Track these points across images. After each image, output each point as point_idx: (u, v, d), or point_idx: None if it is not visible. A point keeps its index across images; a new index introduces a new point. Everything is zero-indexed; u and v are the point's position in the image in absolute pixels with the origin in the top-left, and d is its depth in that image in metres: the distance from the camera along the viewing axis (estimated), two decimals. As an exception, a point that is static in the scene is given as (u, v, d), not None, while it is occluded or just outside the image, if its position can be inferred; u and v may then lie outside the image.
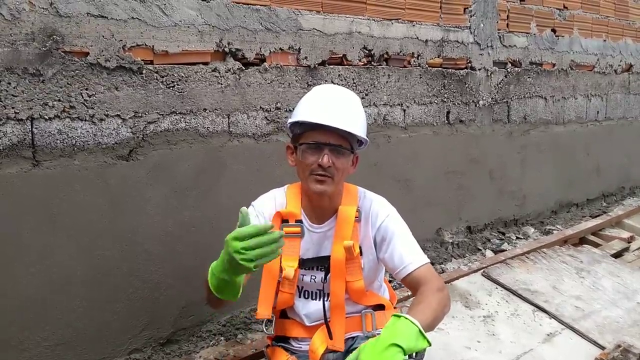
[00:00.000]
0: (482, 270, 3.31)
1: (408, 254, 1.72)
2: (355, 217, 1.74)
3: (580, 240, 4.10)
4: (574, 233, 4.07)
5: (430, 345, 1.46)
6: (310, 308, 1.81)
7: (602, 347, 2.59)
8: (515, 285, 3.15)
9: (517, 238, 4.22)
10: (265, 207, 1.79)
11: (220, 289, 1.49)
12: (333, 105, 1.66)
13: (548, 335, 2.71)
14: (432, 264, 3.56)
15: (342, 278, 1.73)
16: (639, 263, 3.70)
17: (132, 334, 2.38)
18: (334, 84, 2.99)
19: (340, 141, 1.65)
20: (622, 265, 3.60)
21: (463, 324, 2.76)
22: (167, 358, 2.46)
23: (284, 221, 1.75)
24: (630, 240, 4.14)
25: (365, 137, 1.72)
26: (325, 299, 1.79)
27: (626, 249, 3.99)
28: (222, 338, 2.61)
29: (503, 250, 3.83)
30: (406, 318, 1.43)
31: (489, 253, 3.86)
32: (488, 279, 3.23)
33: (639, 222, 4.62)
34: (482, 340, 2.63)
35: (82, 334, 2.23)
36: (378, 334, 1.46)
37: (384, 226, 1.76)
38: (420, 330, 1.41)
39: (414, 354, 1.66)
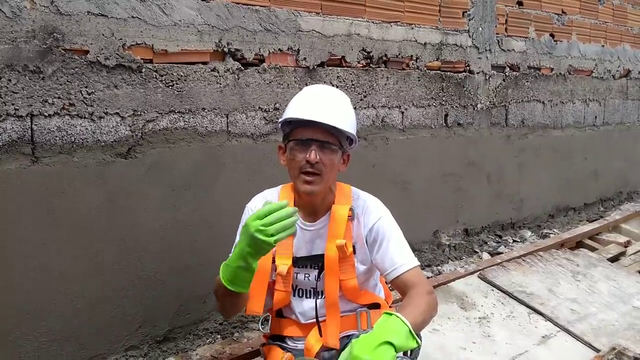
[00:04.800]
0: (478, 272, 3.32)
1: (399, 256, 1.73)
2: (349, 216, 1.75)
3: (577, 244, 4.12)
4: (570, 237, 4.09)
5: (419, 346, 1.48)
6: (304, 306, 1.82)
7: (597, 350, 2.60)
8: (511, 288, 3.16)
9: (514, 241, 4.23)
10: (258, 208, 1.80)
11: (234, 278, 1.52)
12: (320, 103, 1.68)
13: (543, 337, 2.72)
14: (429, 265, 3.60)
15: (335, 276, 1.74)
16: (636, 267, 3.71)
17: (128, 331, 2.39)
18: (333, 85, 3.01)
19: (328, 137, 1.66)
20: (618, 269, 3.61)
21: (459, 325, 2.77)
22: (164, 355, 2.47)
23: None
24: (627, 244, 4.15)
25: (354, 134, 1.73)
26: (319, 297, 1.80)
27: (623, 254, 4.00)
28: (218, 336, 2.62)
29: (500, 253, 3.84)
30: (397, 316, 1.45)
31: (485, 255, 3.87)
32: (484, 280, 3.24)
33: (636, 227, 4.63)
34: (477, 341, 2.64)
35: (78, 330, 2.24)
36: None
37: (376, 227, 1.76)
38: (410, 330, 1.43)
39: (409, 352, 1.68)
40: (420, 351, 1.80)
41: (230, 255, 1.53)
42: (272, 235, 1.42)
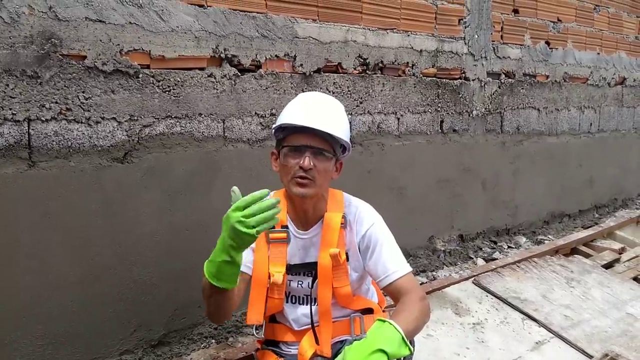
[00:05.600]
0: (473, 278, 3.34)
1: (391, 262, 1.74)
2: (341, 224, 1.75)
3: (572, 251, 4.13)
4: (565, 243, 4.10)
5: (411, 353, 1.50)
6: (297, 313, 1.83)
7: (590, 356, 2.62)
8: (505, 294, 3.18)
9: (509, 247, 4.25)
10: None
11: (219, 273, 1.49)
12: (315, 110, 1.68)
13: (537, 343, 2.73)
14: (424, 271, 3.62)
15: (328, 284, 1.75)
16: (630, 274, 3.72)
17: (123, 335, 2.39)
18: (329, 91, 3.03)
19: (322, 144, 1.67)
20: (612, 275, 3.63)
21: (453, 331, 2.78)
22: (158, 360, 2.48)
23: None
24: (621, 251, 4.17)
25: (348, 142, 1.74)
26: (313, 304, 1.80)
27: (617, 260, 4.02)
28: (213, 341, 2.63)
29: (494, 259, 3.86)
30: (390, 323, 1.46)
31: (480, 261, 3.89)
32: (479, 286, 3.26)
33: (630, 234, 4.65)
34: (471, 347, 2.65)
35: (74, 334, 2.25)
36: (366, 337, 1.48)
37: (368, 234, 1.77)
38: (403, 337, 1.44)
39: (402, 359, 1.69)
40: (412, 358, 1.82)
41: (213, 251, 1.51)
42: (253, 227, 1.39)
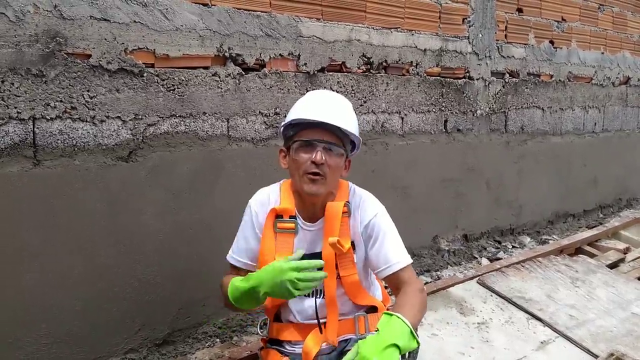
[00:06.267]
0: (477, 278, 3.33)
1: (393, 253, 1.76)
2: (344, 212, 1.76)
3: (576, 251, 4.11)
4: (570, 243, 4.09)
5: (419, 345, 1.52)
6: (304, 305, 1.84)
7: (596, 356, 2.61)
8: (510, 293, 3.17)
9: (513, 247, 4.23)
10: (260, 206, 1.83)
11: (243, 303, 1.65)
12: (326, 106, 1.71)
13: (542, 342, 2.72)
14: (428, 270, 3.62)
15: (333, 274, 1.76)
16: (635, 274, 3.71)
17: (128, 334, 2.39)
18: (333, 90, 3.01)
19: (334, 140, 1.69)
20: (617, 275, 3.61)
21: (457, 330, 2.77)
22: (163, 359, 2.47)
23: (278, 217, 1.78)
24: (626, 251, 4.15)
25: (358, 137, 1.76)
26: (318, 296, 1.81)
27: (622, 260, 4.00)
28: (217, 340, 2.63)
29: (499, 259, 3.85)
30: (399, 317, 1.47)
31: (484, 261, 3.88)
32: (483, 286, 3.25)
33: (635, 234, 4.63)
34: (476, 346, 2.65)
35: (78, 333, 2.25)
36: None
37: (371, 224, 1.79)
38: (411, 331, 1.45)
39: (407, 354, 1.70)
40: (417, 356, 1.82)
41: (245, 282, 1.62)
42: (299, 290, 1.53)
